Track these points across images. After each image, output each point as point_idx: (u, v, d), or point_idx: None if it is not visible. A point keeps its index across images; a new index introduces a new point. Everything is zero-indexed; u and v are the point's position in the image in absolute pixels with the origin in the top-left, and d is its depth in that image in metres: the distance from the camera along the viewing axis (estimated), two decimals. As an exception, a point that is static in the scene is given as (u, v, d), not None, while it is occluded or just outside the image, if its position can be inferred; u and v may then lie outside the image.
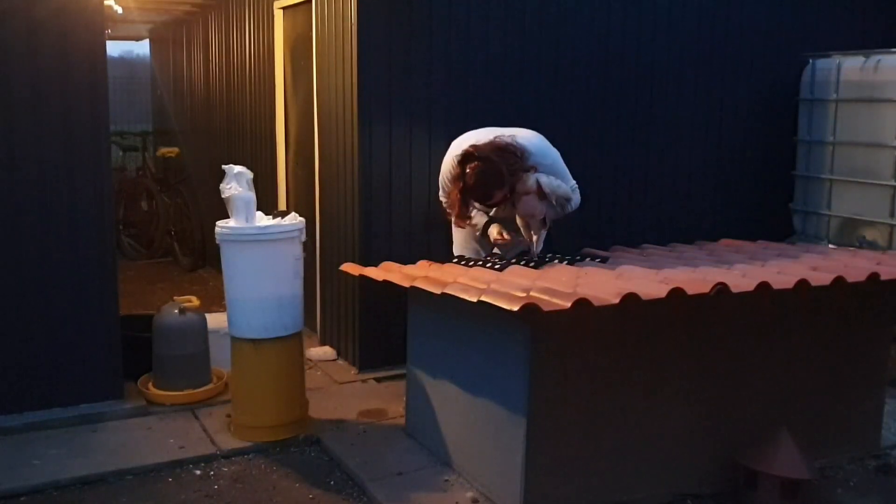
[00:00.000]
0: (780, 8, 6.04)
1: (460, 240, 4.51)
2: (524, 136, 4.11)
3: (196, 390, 4.49)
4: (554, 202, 4.02)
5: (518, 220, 4.16)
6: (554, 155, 4.19)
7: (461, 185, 3.96)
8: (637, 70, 5.58)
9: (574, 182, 4.24)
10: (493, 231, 4.24)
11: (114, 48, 12.74)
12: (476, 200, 4.04)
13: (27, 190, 4.12)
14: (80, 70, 4.14)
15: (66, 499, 3.60)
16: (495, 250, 4.29)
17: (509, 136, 4.05)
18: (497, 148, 3.96)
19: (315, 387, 4.71)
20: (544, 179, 3.98)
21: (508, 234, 4.21)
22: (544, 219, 4.09)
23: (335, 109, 5.04)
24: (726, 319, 3.63)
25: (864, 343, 4.02)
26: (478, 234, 4.35)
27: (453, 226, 4.43)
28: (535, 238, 4.14)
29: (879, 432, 4.15)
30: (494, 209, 4.20)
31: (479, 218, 4.29)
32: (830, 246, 5.50)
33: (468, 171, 3.92)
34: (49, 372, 4.25)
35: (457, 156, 4.05)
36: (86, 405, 4.30)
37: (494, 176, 3.89)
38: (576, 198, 4.21)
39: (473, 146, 4.00)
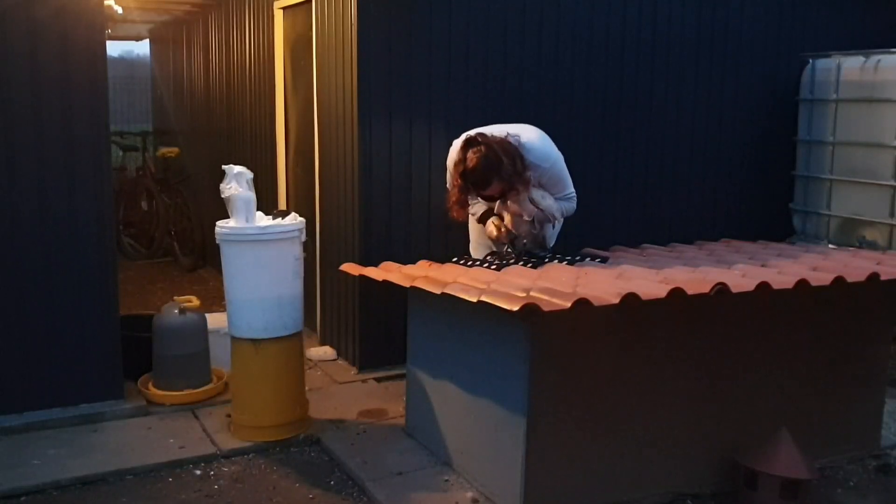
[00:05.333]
0: (779, 8, 6.04)
1: (475, 235, 4.53)
2: (528, 138, 4.13)
3: (196, 390, 4.49)
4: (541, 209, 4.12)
5: (507, 217, 4.20)
6: (554, 158, 4.20)
7: (462, 168, 3.98)
8: (637, 70, 5.58)
9: (572, 190, 4.27)
10: (492, 227, 4.24)
11: (114, 48, 12.80)
12: (473, 185, 4.02)
13: (27, 190, 4.11)
14: (80, 70, 4.14)
15: (67, 499, 3.60)
16: (507, 248, 4.28)
17: (515, 135, 4.06)
18: (503, 144, 3.98)
19: (315, 387, 4.72)
20: (534, 192, 4.07)
21: (505, 228, 4.23)
22: (533, 219, 4.15)
23: (335, 109, 5.04)
24: (726, 319, 3.63)
25: (864, 343, 4.02)
26: (474, 217, 4.37)
27: (469, 223, 4.48)
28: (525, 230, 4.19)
29: (879, 432, 4.15)
30: (491, 204, 4.23)
31: (477, 207, 4.31)
32: (830, 246, 5.50)
33: (469, 154, 3.96)
34: (49, 372, 4.24)
35: (461, 141, 4.09)
36: (86, 405, 4.30)
37: (494, 163, 3.91)
38: (568, 206, 4.27)
39: (480, 134, 4.05)
